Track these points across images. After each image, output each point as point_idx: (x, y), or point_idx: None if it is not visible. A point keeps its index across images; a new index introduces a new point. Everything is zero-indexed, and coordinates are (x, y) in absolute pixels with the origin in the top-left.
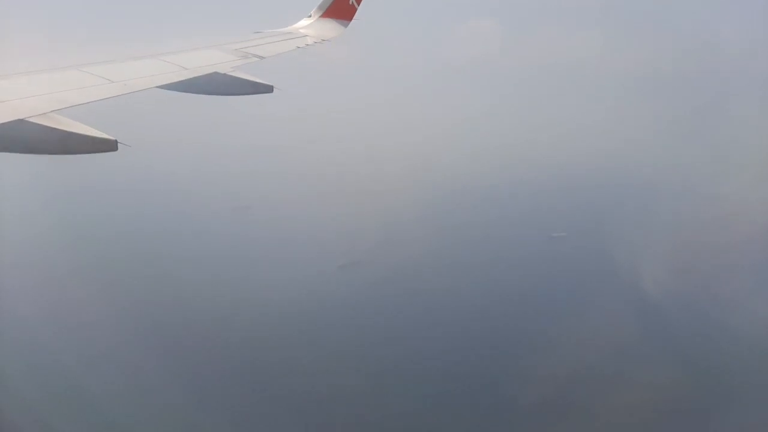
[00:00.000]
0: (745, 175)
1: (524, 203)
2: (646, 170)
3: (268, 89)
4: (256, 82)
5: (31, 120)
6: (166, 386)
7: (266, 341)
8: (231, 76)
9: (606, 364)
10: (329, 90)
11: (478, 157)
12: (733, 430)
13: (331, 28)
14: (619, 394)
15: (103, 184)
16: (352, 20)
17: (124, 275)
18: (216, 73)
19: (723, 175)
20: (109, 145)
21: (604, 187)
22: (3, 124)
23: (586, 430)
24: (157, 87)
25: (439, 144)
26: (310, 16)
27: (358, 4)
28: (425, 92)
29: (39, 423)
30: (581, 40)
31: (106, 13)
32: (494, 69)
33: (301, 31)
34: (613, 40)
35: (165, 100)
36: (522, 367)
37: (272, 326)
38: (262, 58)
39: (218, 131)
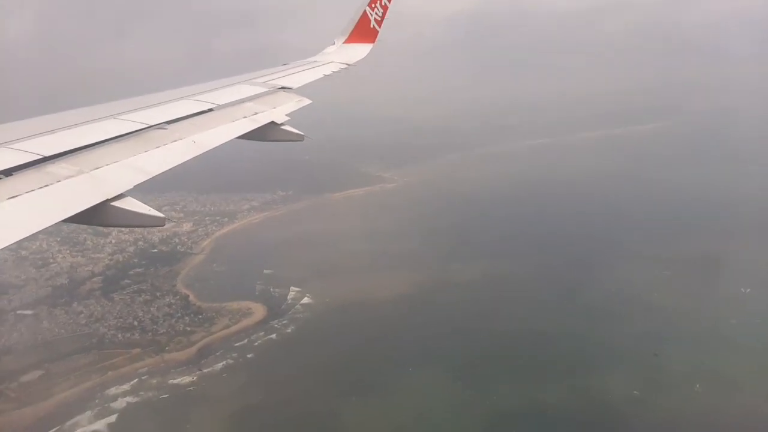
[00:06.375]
0: None
1: None
2: None
3: (300, 138)
4: (300, 133)
5: (112, 204)
6: None
7: None
8: (283, 129)
9: None
10: None
11: None
12: None
13: (355, 52)
14: None
15: None
16: (376, 42)
17: None
18: (273, 124)
19: None
20: (160, 221)
21: None
22: (89, 208)
23: None
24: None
25: None
26: (333, 43)
27: (380, 27)
28: None
29: None
30: None
31: None
32: None
33: (327, 58)
34: None
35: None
36: None
37: None
38: (290, 89)
39: None
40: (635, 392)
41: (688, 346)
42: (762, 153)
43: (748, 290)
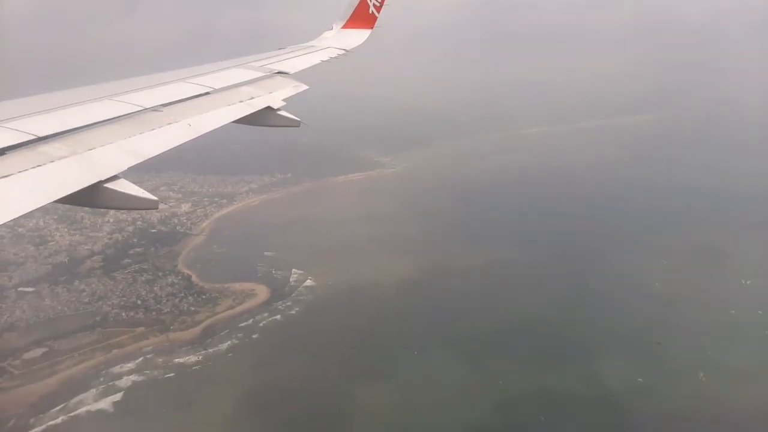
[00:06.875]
0: None
1: None
2: None
3: (296, 124)
4: (296, 119)
5: (105, 186)
6: None
7: None
8: (279, 115)
9: None
10: None
11: None
12: None
13: (352, 37)
14: None
15: None
16: (374, 28)
17: None
18: (269, 109)
19: None
20: (153, 204)
21: None
22: (82, 189)
23: None
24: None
25: None
26: (331, 28)
27: (378, 12)
28: None
29: None
30: None
31: None
32: None
33: (324, 43)
34: None
35: None
36: None
37: None
38: (286, 73)
39: None
40: (640, 380)
41: (690, 336)
42: (762, 145)
43: (749, 282)
